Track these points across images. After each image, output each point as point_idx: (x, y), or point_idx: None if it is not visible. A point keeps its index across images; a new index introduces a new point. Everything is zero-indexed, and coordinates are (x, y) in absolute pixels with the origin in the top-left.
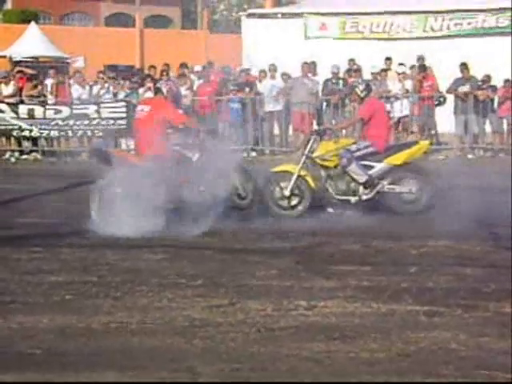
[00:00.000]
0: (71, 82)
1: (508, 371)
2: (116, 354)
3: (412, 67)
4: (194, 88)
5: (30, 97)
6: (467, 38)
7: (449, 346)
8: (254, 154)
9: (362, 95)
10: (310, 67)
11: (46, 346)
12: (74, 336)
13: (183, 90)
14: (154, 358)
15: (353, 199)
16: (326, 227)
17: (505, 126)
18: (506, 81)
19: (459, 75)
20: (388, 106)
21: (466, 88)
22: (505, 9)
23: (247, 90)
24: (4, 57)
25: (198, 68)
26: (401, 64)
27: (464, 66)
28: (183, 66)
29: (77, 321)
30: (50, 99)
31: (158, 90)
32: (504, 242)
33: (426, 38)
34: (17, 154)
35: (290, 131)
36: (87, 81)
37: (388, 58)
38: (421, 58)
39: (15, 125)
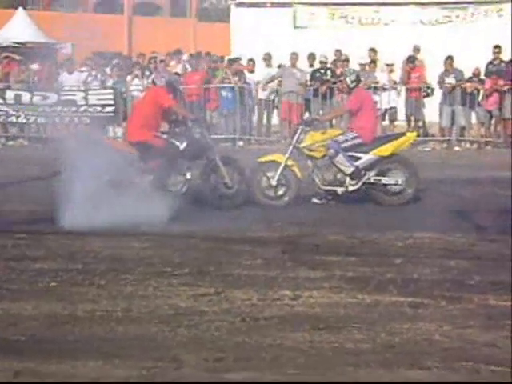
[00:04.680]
0: (58, 68)
1: (492, 363)
2: (101, 342)
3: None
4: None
5: (19, 82)
6: (456, 28)
7: (433, 338)
8: (241, 143)
9: (352, 85)
10: (309, 58)
11: (30, 332)
12: (58, 323)
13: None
14: (139, 346)
15: (339, 190)
16: (312, 217)
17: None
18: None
19: (447, 68)
20: (376, 97)
21: (450, 80)
22: (494, 2)
23: (236, 79)
24: None
25: (185, 57)
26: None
27: (449, 60)
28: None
29: (61, 308)
30: (36, 85)
31: (154, 83)
32: (489, 234)
33: (415, 29)
34: (3, 139)
35: (277, 121)
36: (75, 67)
37: (372, 49)
38: (416, 49)
39: (1, 110)
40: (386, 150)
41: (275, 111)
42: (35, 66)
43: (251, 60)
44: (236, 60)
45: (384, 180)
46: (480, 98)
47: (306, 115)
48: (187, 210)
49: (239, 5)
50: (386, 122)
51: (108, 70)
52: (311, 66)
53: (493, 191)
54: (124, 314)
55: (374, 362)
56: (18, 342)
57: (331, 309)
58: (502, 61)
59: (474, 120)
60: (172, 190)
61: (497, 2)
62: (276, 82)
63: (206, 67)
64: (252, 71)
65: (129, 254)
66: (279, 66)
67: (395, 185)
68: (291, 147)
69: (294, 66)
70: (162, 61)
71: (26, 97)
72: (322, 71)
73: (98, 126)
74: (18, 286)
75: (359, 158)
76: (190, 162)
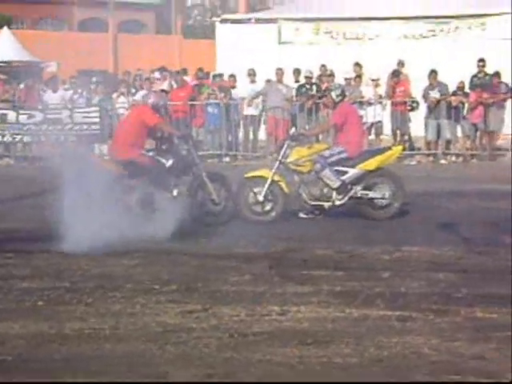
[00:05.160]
0: (43, 87)
1: (480, 375)
2: (88, 360)
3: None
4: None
5: (4, 101)
6: (439, 43)
7: (421, 351)
8: (227, 159)
9: (337, 100)
10: (294, 74)
11: (17, 352)
12: (45, 342)
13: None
14: (127, 364)
15: (326, 204)
16: (300, 232)
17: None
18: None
19: (431, 82)
20: (361, 112)
21: (434, 94)
22: (477, 15)
23: (222, 95)
24: None
25: (156, 74)
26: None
27: (433, 74)
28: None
29: (49, 327)
30: (22, 104)
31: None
32: (475, 247)
33: (399, 43)
34: None
35: (264, 136)
36: (60, 86)
37: (357, 64)
38: (400, 63)
39: None
40: (372, 164)
41: (261, 127)
42: (21, 86)
43: (232, 76)
44: (220, 76)
45: (370, 194)
46: (465, 111)
47: (292, 130)
48: (174, 227)
49: (224, 21)
50: (372, 136)
51: (93, 87)
52: (297, 81)
53: (479, 204)
54: (112, 331)
55: (363, 376)
56: (5, 362)
57: (319, 323)
58: (486, 74)
59: (459, 133)
60: (159, 207)
61: (480, 16)
62: (261, 97)
63: (191, 84)
64: (233, 87)
65: (117, 271)
66: (268, 81)
67: (382, 199)
68: (278, 162)
69: (279, 81)
70: (147, 78)
71: (11, 116)
72: (308, 86)
73: (84, 144)
74: (5, 305)
75: (346, 173)
76: (176, 179)
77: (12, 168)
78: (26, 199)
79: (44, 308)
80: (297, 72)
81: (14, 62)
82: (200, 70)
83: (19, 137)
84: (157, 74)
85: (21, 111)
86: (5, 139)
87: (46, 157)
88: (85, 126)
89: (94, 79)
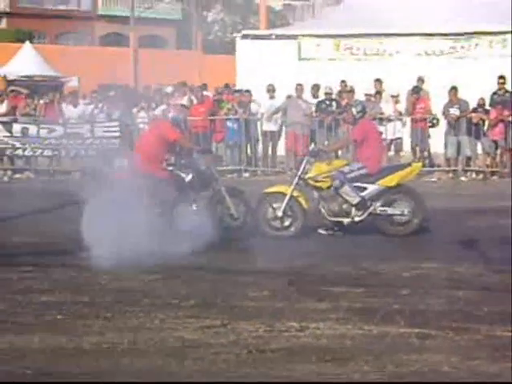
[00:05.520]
0: (63, 101)
1: None
2: (106, 375)
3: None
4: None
5: (26, 116)
6: (460, 60)
7: (440, 369)
8: (246, 174)
9: (358, 116)
10: (313, 89)
11: (36, 366)
12: (64, 356)
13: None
14: (145, 379)
15: (345, 221)
16: (319, 248)
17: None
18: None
19: (451, 98)
20: (381, 128)
21: (454, 111)
22: (498, 32)
23: (241, 110)
24: None
25: (169, 89)
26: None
27: (453, 90)
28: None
29: (67, 341)
30: (42, 118)
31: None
32: (495, 264)
33: (419, 60)
34: (9, 172)
35: (283, 152)
36: (81, 100)
37: (377, 80)
38: (420, 79)
39: (8, 143)
40: (391, 180)
41: (281, 142)
42: (42, 100)
43: (247, 91)
44: (239, 91)
45: (390, 210)
46: (485, 128)
47: (312, 146)
48: (193, 242)
49: (244, 37)
50: (392, 153)
51: (113, 102)
52: (315, 96)
53: (499, 221)
54: (130, 346)
55: None
56: (24, 375)
57: (338, 340)
58: (506, 91)
59: (479, 150)
60: (178, 222)
61: (501, 33)
62: (281, 113)
63: (211, 99)
64: (250, 101)
65: (135, 286)
66: (288, 97)
67: (401, 215)
68: (297, 178)
69: (299, 97)
70: (167, 93)
71: (32, 130)
72: (328, 102)
73: (105, 159)
74: (24, 319)
75: (365, 189)
76: (195, 194)
77: (32, 181)
78: (46, 213)
79: (63, 322)
80: (315, 88)
81: (35, 76)
82: (226, 86)
83: (40, 151)
84: (169, 89)
85: (41, 125)
86: (25, 153)
87: (66, 171)
88: (105, 141)
89: (111, 93)
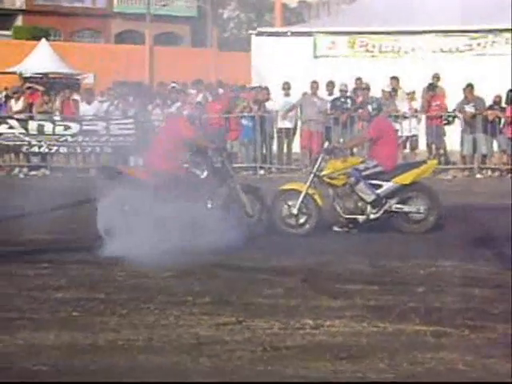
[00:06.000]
0: (79, 98)
1: None
2: (122, 372)
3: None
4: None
5: (42, 113)
6: (476, 57)
7: (456, 367)
8: (261, 171)
9: (373, 113)
10: (328, 86)
11: (52, 362)
12: (80, 353)
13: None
14: (160, 375)
15: (361, 218)
16: (334, 246)
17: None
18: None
19: (466, 96)
20: (396, 125)
21: (469, 108)
22: None
23: (256, 108)
24: (14, 73)
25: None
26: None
27: (469, 88)
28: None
29: (83, 338)
30: (60, 115)
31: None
32: (511, 262)
33: (435, 57)
34: (25, 169)
35: (298, 149)
36: (97, 97)
37: (394, 78)
38: (436, 77)
39: (24, 141)
40: (407, 177)
41: (296, 139)
42: (58, 97)
43: (265, 88)
44: (254, 89)
45: (405, 208)
46: (501, 125)
47: (327, 143)
48: (209, 239)
49: (260, 34)
50: (407, 150)
51: (130, 99)
52: (330, 94)
53: None
54: (145, 343)
55: None
56: (40, 372)
57: (353, 338)
58: None
59: (495, 148)
60: (193, 219)
61: None
62: (296, 110)
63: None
64: (267, 99)
65: (150, 283)
66: (303, 94)
67: (417, 213)
68: (312, 175)
69: (314, 94)
70: (182, 90)
71: (48, 127)
72: (343, 99)
73: (120, 156)
74: (40, 316)
75: (380, 186)
76: (211, 191)
77: (48, 178)
78: (62, 210)
79: (79, 318)
80: (331, 85)
81: (51, 73)
82: (242, 87)
83: (55, 148)
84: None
85: (57, 122)
86: (41, 150)
87: (82, 168)
88: (120, 138)
89: (125, 90)
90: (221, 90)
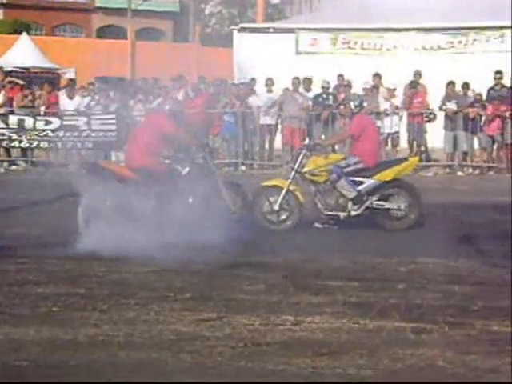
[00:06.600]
0: (61, 93)
1: None
2: (102, 368)
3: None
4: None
5: (22, 107)
6: (458, 55)
7: (436, 364)
8: (243, 167)
9: (355, 110)
10: (305, 83)
11: (32, 358)
12: (60, 348)
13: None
14: (141, 371)
15: (342, 215)
16: (315, 242)
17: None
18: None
19: (448, 93)
20: (378, 122)
21: (451, 105)
22: (495, 27)
23: (238, 103)
24: None
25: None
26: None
27: (451, 85)
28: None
29: (63, 333)
30: (41, 110)
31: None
32: (491, 259)
33: (417, 55)
34: (6, 164)
35: (280, 145)
36: (78, 92)
37: (376, 75)
38: (417, 74)
39: (4, 135)
40: (388, 174)
41: (277, 136)
42: (39, 92)
43: (253, 79)
44: (236, 85)
45: (386, 205)
46: (482, 123)
47: (308, 140)
48: (189, 235)
49: (242, 30)
50: (389, 147)
51: (111, 94)
52: (307, 90)
53: (495, 216)
54: (126, 338)
55: None
56: (20, 368)
57: (333, 334)
58: (503, 86)
59: (476, 145)
60: (174, 215)
61: (498, 28)
62: (278, 106)
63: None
64: (250, 93)
65: (131, 278)
66: (285, 90)
67: (398, 210)
68: (293, 172)
69: (296, 90)
70: (164, 86)
71: (28, 121)
72: (324, 96)
73: (101, 151)
74: (20, 311)
75: (362, 183)
76: (192, 187)
77: (28, 173)
78: (41, 205)
79: (59, 314)
80: (307, 81)
81: (32, 67)
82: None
83: (36, 142)
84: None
85: (38, 117)
86: (21, 144)
87: (62, 163)
88: (101, 133)
89: (107, 85)
90: (202, 86)
